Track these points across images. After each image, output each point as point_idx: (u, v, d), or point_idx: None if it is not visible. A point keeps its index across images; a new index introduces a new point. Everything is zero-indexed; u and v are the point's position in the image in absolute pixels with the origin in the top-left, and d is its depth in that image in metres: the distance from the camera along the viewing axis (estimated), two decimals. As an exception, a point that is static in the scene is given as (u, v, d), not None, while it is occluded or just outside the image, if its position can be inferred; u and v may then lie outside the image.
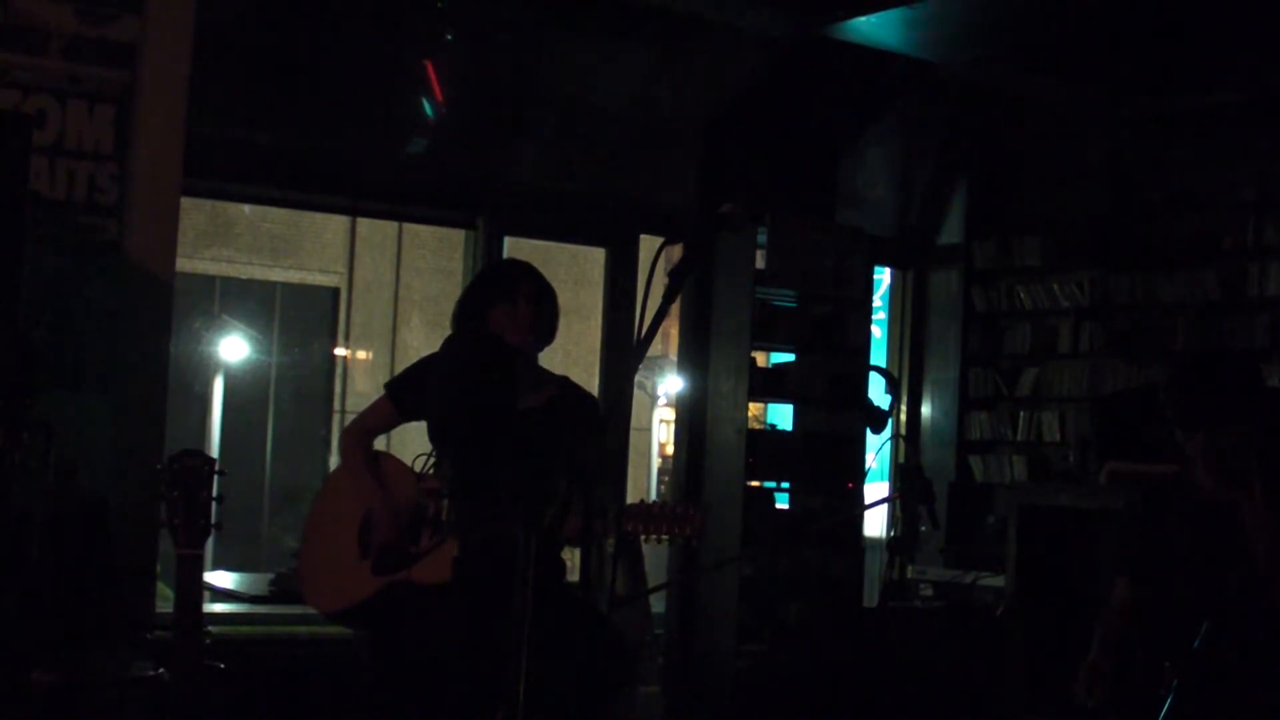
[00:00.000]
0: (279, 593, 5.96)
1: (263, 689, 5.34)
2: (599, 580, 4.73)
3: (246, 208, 13.03)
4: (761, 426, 7.99)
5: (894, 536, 6.62)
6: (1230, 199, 7.56)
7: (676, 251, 2.88)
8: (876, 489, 8.56)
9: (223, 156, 5.96)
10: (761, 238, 6.72)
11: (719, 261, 6.86)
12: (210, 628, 4.69)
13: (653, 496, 13.26)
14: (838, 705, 6.34)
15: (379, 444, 4.21)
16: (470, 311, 4.01)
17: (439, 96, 6.37)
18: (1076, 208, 8.19)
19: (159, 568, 4.80)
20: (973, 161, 8.51)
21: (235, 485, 3.59)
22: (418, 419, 4.08)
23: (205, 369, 12.12)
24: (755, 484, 6.80)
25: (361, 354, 14.97)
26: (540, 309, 4.00)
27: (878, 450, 6.41)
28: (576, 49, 6.83)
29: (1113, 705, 3.57)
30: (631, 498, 6.21)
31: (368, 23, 6.30)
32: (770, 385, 7.02)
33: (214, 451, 10.53)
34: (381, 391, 4.18)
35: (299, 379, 14.50)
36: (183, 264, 5.50)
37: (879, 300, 8.68)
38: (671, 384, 11.94)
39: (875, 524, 8.20)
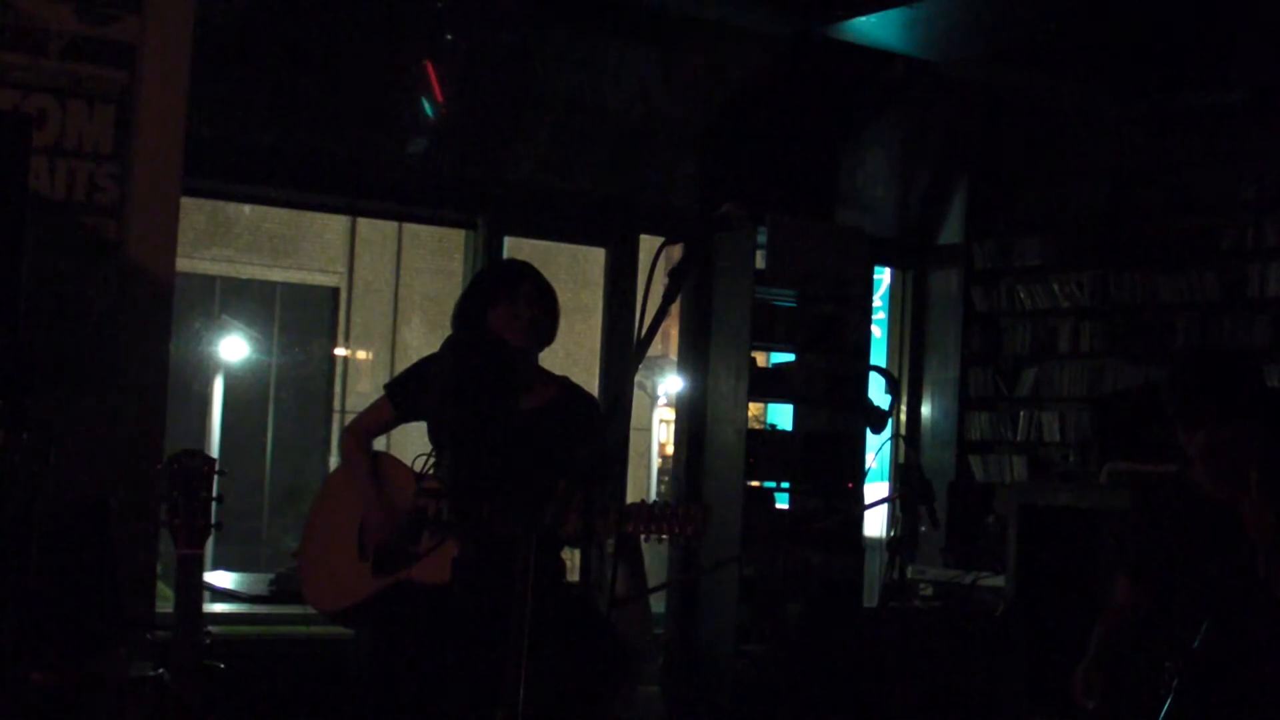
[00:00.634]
0: (279, 593, 5.95)
1: (263, 689, 5.34)
2: (599, 580, 4.73)
3: (246, 208, 13.05)
4: (761, 426, 7.99)
5: (894, 536, 6.63)
6: (1230, 199, 7.56)
7: (676, 251, 2.88)
8: (876, 489, 8.56)
9: (223, 156, 5.97)
10: (761, 238, 6.71)
11: (719, 261, 6.86)
12: (210, 628, 4.72)
13: (653, 496, 13.26)
14: (838, 705, 6.33)
15: (379, 444, 4.21)
16: (470, 312, 4.00)
17: (439, 96, 6.37)
18: (1076, 207, 8.19)
19: (159, 568, 4.80)
20: (973, 161, 8.51)
21: (235, 485, 3.60)
22: (417, 419, 4.07)
23: (205, 369, 12.13)
24: (755, 484, 6.79)
25: (361, 354, 14.98)
26: (540, 309, 3.99)
27: (878, 450, 6.42)
28: (576, 49, 6.83)
29: (1111, 706, 3.57)
30: (631, 498, 6.21)
31: (368, 23, 6.30)
32: (770, 385, 7.01)
33: (214, 451, 10.53)
34: (381, 392, 4.18)
35: (299, 379, 14.52)
36: (183, 264, 5.49)
37: (879, 300, 8.68)
38: (671, 384, 11.96)
39: (875, 524, 8.21)
